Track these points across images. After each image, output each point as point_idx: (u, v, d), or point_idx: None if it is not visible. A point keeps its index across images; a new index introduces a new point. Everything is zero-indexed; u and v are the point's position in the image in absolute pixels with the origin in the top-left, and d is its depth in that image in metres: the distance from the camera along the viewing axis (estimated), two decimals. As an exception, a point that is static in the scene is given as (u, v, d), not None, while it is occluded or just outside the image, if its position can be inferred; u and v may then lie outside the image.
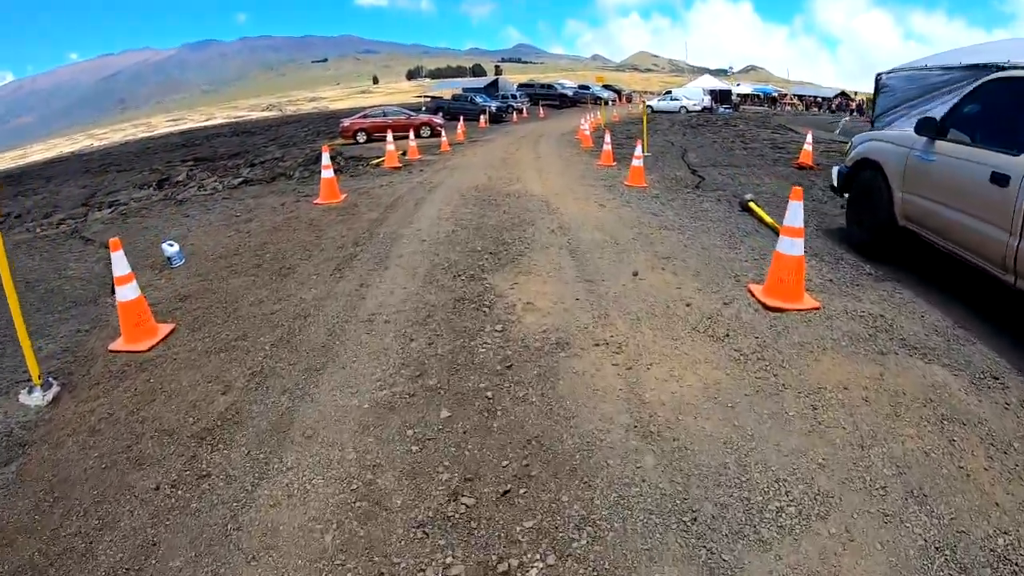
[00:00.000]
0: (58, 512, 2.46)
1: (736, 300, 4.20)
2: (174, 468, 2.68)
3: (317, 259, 5.68)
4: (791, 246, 3.97)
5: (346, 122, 23.68)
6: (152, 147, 40.82)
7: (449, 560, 2.08)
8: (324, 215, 7.62)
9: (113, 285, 4.21)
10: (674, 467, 2.49)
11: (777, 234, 6.03)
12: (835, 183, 6.07)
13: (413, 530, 2.22)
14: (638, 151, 9.86)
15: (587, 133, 17.86)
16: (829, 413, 2.85)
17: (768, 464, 2.49)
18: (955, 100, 4.59)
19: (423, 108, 33.31)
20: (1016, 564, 2.00)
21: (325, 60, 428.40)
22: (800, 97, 60.70)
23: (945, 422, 2.75)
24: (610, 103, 48.80)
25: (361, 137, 22.52)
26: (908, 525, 2.17)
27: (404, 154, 14.94)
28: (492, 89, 44.17)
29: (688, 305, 4.12)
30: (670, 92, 44.36)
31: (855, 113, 46.14)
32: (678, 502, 2.30)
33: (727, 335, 3.63)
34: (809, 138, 12.56)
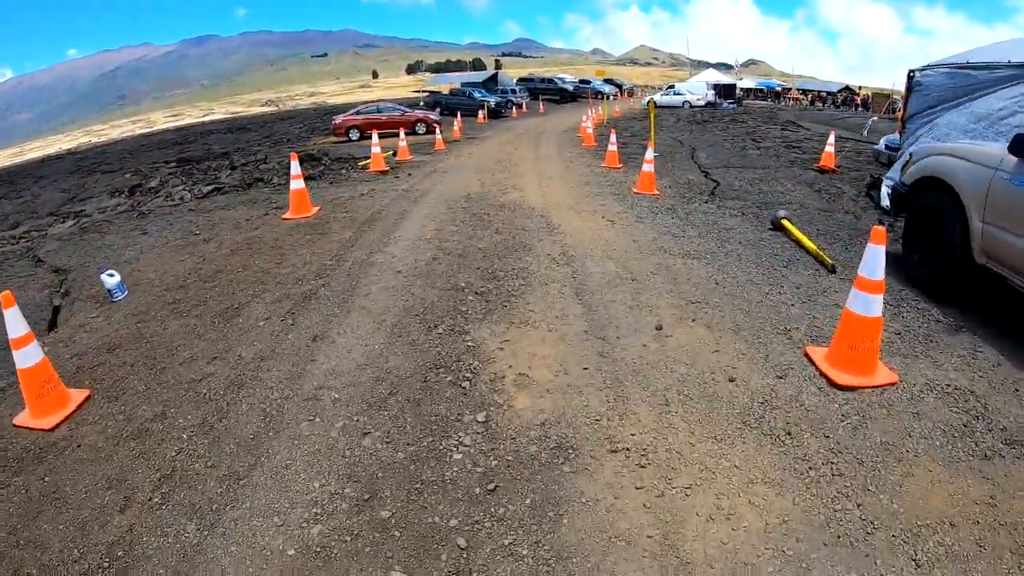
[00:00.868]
0: None
1: (792, 370, 3.27)
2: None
3: (270, 296, 4.77)
4: (868, 304, 3.04)
5: (338, 119, 22.70)
6: (146, 145, 39.80)
7: None
8: (290, 234, 6.68)
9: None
10: None
11: (824, 266, 5.02)
12: (885, 200, 5.14)
13: None
14: (649, 154, 8.90)
15: (589, 131, 16.88)
16: (937, 573, 1.97)
17: None
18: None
19: (420, 103, 32.31)
20: None
21: (325, 55, 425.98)
22: (804, 91, 59.47)
23: None
24: (611, 98, 47.69)
25: (354, 134, 21.55)
26: None
27: (394, 154, 13.99)
28: (491, 83, 43.21)
29: (732, 380, 3.17)
30: (672, 86, 43.14)
31: (860, 108, 45.03)
32: None
33: (788, 433, 2.70)
34: (831, 139, 11.62)
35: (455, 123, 21.54)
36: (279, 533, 2.29)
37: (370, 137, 13.72)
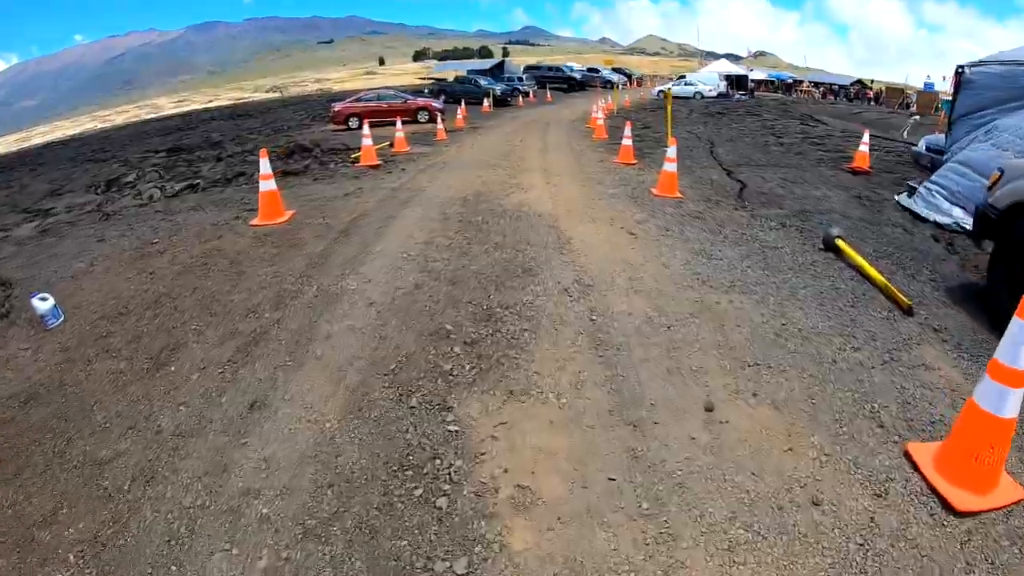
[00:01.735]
0: None
1: (893, 482, 2.34)
2: None
3: (213, 334, 3.85)
4: (1003, 400, 2.12)
5: (337, 106, 21.66)
6: (147, 131, 38.81)
7: None
8: (254, 246, 5.72)
9: None
10: None
11: (899, 306, 3.97)
12: (930, 211, 4.19)
13: None
14: (671, 152, 7.91)
15: (600, 122, 15.83)
16: None
17: None
18: None
19: (425, 91, 31.25)
20: None
21: (331, 41, 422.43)
22: (816, 84, 57.87)
23: None
24: (620, 87, 46.39)
25: (354, 123, 20.54)
26: None
27: (391, 145, 13.02)
28: (497, 71, 42.13)
29: (817, 504, 2.23)
30: (684, 77, 41.83)
31: (873, 103, 43.62)
32: None
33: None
34: (865, 137, 10.62)
35: (459, 112, 20.49)
36: None
37: (372, 126, 12.76)
